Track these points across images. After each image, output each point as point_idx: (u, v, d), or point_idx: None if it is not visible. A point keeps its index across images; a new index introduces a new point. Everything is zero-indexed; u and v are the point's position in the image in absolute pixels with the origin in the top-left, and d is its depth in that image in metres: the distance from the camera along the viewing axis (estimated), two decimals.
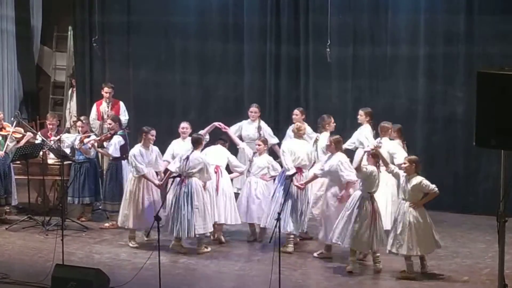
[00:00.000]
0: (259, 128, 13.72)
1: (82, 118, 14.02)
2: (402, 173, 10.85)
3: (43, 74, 18.59)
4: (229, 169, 12.62)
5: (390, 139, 12.48)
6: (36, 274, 10.84)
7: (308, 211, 12.12)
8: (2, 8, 17.33)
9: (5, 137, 13.50)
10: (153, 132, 12.30)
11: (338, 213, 11.27)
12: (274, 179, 12.36)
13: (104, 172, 13.73)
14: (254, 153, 12.59)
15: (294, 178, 11.69)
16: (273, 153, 13.25)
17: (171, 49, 15.95)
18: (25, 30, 17.89)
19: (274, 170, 12.36)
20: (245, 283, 10.99)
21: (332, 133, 12.48)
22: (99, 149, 13.42)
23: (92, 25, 16.20)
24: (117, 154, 13.12)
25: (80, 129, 13.71)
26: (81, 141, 13.32)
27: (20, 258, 11.90)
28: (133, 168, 12.18)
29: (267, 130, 13.80)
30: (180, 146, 12.66)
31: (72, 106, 17.16)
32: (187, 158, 11.79)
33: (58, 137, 13.51)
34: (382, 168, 11.23)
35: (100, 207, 13.71)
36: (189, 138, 12.57)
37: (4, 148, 13.44)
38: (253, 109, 13.85)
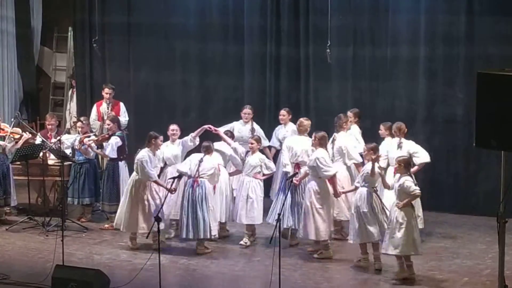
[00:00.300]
0: (252, 130, 13.72)
1: (82, 118, 14.02)
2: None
3: (43, 74, 18.59)
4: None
5: (381, 137, 12.59)
6: (36, 275, 10.84)
7: None
8: (2, 9, 17.33)
9: (3, 138, 13.49)
10: (162, 137, 12.27)
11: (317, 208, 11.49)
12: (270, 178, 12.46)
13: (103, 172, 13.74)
14: (247, 152, 12.55)
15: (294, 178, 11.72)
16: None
17: (171, 50, 15.96)
18: (25, 30, 17.89)
19: (267, 168, 12.31)
20: (245, 283, 10.98)
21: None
22: (96, 150, 13.37)
23: (92, 26, 16.20)
24: (113, 155, 13.09)
25: (80, 129, 13.71)
26: (81, 142, 13.32)
27: (20, 258, 11.89)
28: (141, 173, 11.91)
29: (260, 132, 13.80)
30: (170, 149, 12.62)
31: (72, 107, 17.15)
32: (200, 161, 11.88)
33: (58, 137, 13.51)
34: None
35: (100, 208, 13.71)
36: (178, 141, 12.62)
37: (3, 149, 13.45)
38: (247, 111, 13.84)
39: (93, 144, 13.29)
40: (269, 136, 13.95)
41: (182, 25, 15.83)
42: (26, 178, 13.40)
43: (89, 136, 13.45)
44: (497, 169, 9.66)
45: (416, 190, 10.61)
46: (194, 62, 15.85)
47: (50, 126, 14.05)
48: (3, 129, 13.58)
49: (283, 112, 13.78)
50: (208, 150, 12.03)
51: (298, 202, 11.99)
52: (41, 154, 13.46)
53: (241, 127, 13.77)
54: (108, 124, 13.44)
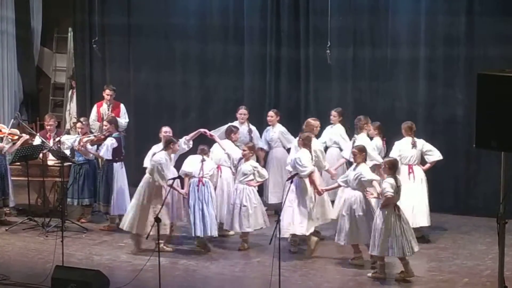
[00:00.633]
0: (250, 131, 13.68)
1: (81, 119, 14.02)
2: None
3: (43, 75, 18.59)
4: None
5: (369, 137, 12.76)
6: (36, 276, 10.84)
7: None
8: (2, 9, 17.33)
9: (0, 139, 13.48)
10: (179, 143, 12.26)
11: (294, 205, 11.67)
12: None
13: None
14: (240, 159, 12.33)
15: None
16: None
17: (172, 51, 15.95)
18: (25, 31, 17.89)
19: (260, 176, 12.22)
20: (245, 284, 10.99)
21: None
22: (91, 150, 13.30)
23: (92, 26, 16.20)
24: (108, 156, 13.05)
25: (79, 130, 13.71)
26: (80, 143, 13.31)
27: (20, 259, 11.90)
28: (158, 175, 11.83)
29: (256, 133, 13.79)
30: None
31: (72, 107, 17.16)
32: (203, 160, 12.00)
33: (58, 138, 13.51)
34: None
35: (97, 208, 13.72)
36: None
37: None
38: (242, 111, 13.81)
39: (89, 145, 13.24)
40: None
41: (182, 25, 15.83)
42: (26, 178, 13.40)
43: (89, 137, 13.44)
44: (497, 170, 9.65)
45: (388, 192, 10.64)
46: (194, 63, 15.85)
47: (49, 127, 14.05)
48: (0, 131, 13.57)
49: (271, 113, 13.81)
50: (205, 152, 12.16)
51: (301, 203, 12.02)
52: (41, 155, 13.46)
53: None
54: (105, 125, 13.42)
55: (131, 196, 13.35)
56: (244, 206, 12.06)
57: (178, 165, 12.34)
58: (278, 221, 10.17)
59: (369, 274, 10.94)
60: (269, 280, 10.04)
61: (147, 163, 12.59)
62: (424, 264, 11.57)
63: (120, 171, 13.13)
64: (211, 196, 12.06)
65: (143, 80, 16.24)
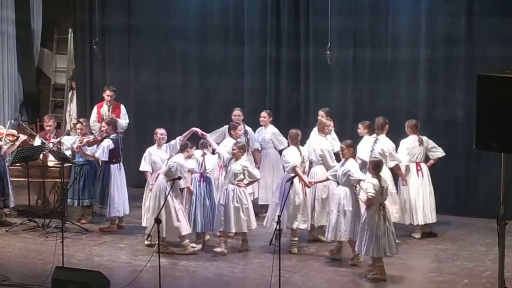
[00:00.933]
0: (245, 132, 13.63)
1: (81, 120, 14.01)
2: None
3: (43, 76, 18.58)
4: None
5: (360, 136, 12.84)
6: (36, 277, 10.84)
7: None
8: (3, 10, 17.33)
9: None
10: (195, 147, 12.26)
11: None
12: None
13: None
14: (231, 159, 12.16)
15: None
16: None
17: (172, 51, 15.95)
18: (26, 32, 17.88)
19: (249, 176, 12.09)
20: (245, 285, 10.98)
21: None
22: (87, 152, 13.28)
23: (92, 27, 16.19)
24: (103, 157, 13.02)
25: (79, 131, 13.70)
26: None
27: (20, 260, 11.89)
28: (180, 174, 11.85)
29: (252, 134, 13.75)
30: (158, 154, 12.55)
31: (72, 108, 17.16)
32: (204, 154, 12.12)
33: (58, 139, 13.51)
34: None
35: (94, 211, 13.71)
36: (165, 145, 12.60)
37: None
38: (237, 112, 13.76)
39: (86, 146, 13.21)
40: None
41: (182, 26, 15.83)
42: (26, 179, 13.39)
43: (88, 138, 13.42)
44: (497, 171, 9.65)
45: (369, 193, 10.71)
46: (194, 64, 15.85)
47: (48, 128, 14.04)
48: None
49: (263, 114, 13.79)
50: (205, 146, 12.29)
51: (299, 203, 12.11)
52: (41, 156, 13.45)
53: None
54: (103, 127, 13.40)
55: (131, 197, 13.41)
56: (236, 206, 11.92)
57: None
58: (278, 222, 10.18)
59: (369, 276, 10.94)
60: (269, 281, 10.04)
61: (144, 167, 12.55)
62: (424, 265, 11.57)
63: (117, 173, 13.10)
64: (212, 192, 12.17)
65: (143, 80, 16.23)
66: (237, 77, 15.51)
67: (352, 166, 11.40)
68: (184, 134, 12.68)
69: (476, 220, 13.65)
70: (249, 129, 13.80)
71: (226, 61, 15.61)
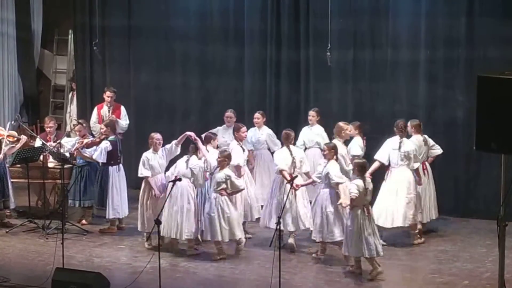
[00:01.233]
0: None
1: (80, 121, 14.01)
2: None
3: (43, 77, 18.59)
4: None
5: (351, 136, 12.86)
6: (36, 278, 10.84)
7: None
8: (3, 11, 17.35)
9: None
10: (204, 148, 12.30)
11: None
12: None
13: None
14: (216, 167, 11.99)
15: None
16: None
17: (172, 52, 15.95)
18: (26, 33, 17.90)
19: (231, 186, 11.84)
20: (245, 287, 10.98)
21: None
22: (84, 153, 13.25)
23: (92, 28, 16.21)
24: (101, 159, 13.00)
25: (78, 133, 13.70)
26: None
27: (20, 261, 11.90)
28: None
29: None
30: (156, 159, 12.40)
31: (72, 109, 17.16)
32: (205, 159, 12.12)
33: (59, 141, 13.51)
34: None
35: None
36: (161, 149, 12.46)
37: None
38: (229, 114, 13.71)
39: (86, 148, 13.21)
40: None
41: (182, 27, 15.84)
42: (26, 181, 13.40)
43: (87, 139, 13.42)
44: (497, 172, 9.66)
45: (352, 193, 10.74)
46: (194, 64, 15.85)
47: (49, 129, 14.05)
48: None
49: (257, 115, 13.71)
50: (208, 141, 12.35)
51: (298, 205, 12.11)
52: (41, 157, 13.45)
53: (224, 132, 13.63)
54: (102, 128, 13.39)
55: (131, 198, 13.40)
56: (219, 214, 11.79)
57: (169, 168, 12.40)
58: (278, 223, 10.18)
59: (369, 277, 10.94)
60: (269, 283, 10.05)
61: (144, 172, 12.34)
62: (424, 266, 11.56)
63: (116, 175, 13.10)
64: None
65: (143, 81, 16.24)
66: (237, 78, 15.52)
67: (332, 168, 11.41)
68: (178, 139, 12.53)
69: (476, 221, 13.65)
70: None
71: (226, 62, 15.62)
